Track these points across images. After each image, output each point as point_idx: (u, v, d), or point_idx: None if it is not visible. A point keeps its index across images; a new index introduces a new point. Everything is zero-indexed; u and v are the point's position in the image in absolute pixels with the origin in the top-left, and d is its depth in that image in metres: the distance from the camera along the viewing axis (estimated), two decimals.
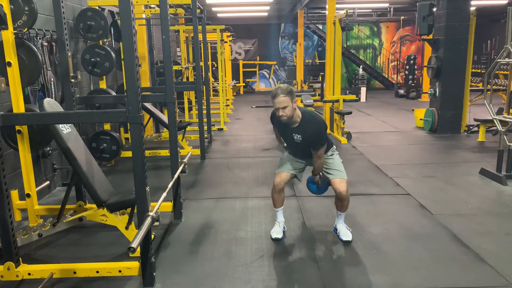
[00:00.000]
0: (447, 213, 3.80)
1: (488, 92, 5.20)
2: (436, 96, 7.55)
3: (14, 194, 3.68)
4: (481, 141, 6.76)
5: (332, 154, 3.24)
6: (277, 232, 3.31)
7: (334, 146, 3.30)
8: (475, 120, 7.04)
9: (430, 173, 5.09)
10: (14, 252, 2.57)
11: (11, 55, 3.11)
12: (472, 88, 8.45)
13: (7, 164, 3.60)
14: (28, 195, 3.44)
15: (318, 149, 3.03)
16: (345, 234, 3.25)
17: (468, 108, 7.63)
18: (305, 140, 3.03)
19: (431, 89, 7.69)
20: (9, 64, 3.12)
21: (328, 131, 7.49)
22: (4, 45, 3.10)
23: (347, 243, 3.20)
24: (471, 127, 7.43)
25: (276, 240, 3.26)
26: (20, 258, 2.65)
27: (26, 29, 3.64)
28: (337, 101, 7.25)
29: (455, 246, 3.16)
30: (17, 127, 3.27)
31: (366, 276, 2.75)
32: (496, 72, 5.23)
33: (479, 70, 13.86)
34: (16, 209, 3.69)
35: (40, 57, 3.67)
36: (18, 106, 3.20)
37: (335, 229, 3.36)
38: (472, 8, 7.43)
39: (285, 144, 3.39)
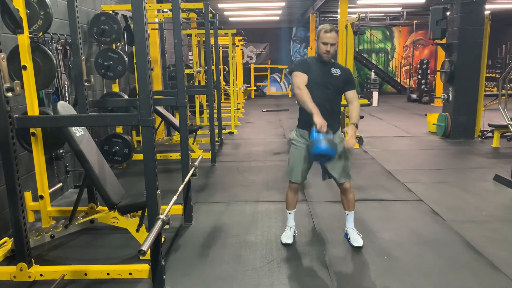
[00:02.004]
0: (460, 219, 3.74)
1: (503, 97, 5.13)
2: (450, 101, 7.46)
3: (28, 195, 3.73)
4: (495, 146, 6.66)
5: (340, 142, 3.09)
6: (287, 237, 3.30)
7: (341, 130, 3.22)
8: (490, 125, 6.94)
9: (442, 179, 5.02)
10: (26, 253, 2.60)
11: (26, 59, 3.16)
12: (486, 93, 8.34)
13: (21, 166, 3.65)
14: (41, 197, 3.49)
15: (353, 89, 3.16)
16: (356, 239, 3.22)
17: (482, 113, 7.52)
18: (342, 76, 3.08)
19: (444, 94, 7.60)
20: (25, 67, 3.17)
21: None
22: (20, 49, 3.15)
23: (357, 248, 3.17)
24: (485, 133, 7.32)
25: (286, 245, 3.25)
26: (33, 259, 2.68)
27: (41, 33, 3.69)
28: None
29: (468, 253, 3.11)
30: (32, 130, 3.32)
31: (377, 282, 2.72)
32: (511, 77, 5.16)
33: (493, 75, 13.70)
34: (29, 210, 3.74)
35: (54, 60, 3.72)
36: (33, 109, 3.25)
37: (346, 235, 3.33)
38: (487, 12, 7.34)
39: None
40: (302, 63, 3.12)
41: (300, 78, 2.99)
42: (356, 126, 3.03)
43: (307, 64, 3.08)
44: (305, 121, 3.08)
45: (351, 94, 3.16)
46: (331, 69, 3.08)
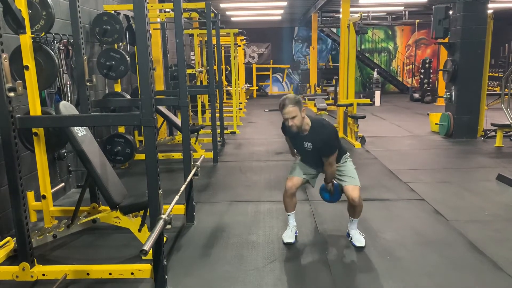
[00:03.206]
0: (462, 219, 3.73)
1: (506, 97, 5.12)
2: (452, 100, 7.44)
3: (30, 195, 3.74)
4: (498, 146, 6.64)
5: (345, 162, 3.21)
6: (289, 237, 3.29)
7: (348, 154, 3.26)
8: (492, 125, 6.91)
9: (445, 179, 5.00)
10: (29, 253, 2.60)
11: (28, 59, 3.17)
12: (489, 92, 8.31)
13: (24, 166, 3.66)
14: (44, 197, 3.50)
15: (329, 156, 3.01)
16: (358, 239, 3.21)
17: (484, 112, 7.50)
18: (315, 148, 3.03)
19: (447, 93, 7.58)
20: (27, 67, 3.18)
21: (342, 135, 7.45)
22: (22, 49, 3.16)
23: (360, 248, 3.16)
24: (488, 132, 7.30)
25: (288, 244, 3.25)
26: (35, 259, 2.68)
27: (43, 33, 3.70)
28: (351, 105, 7.21)
29: (471, 253, 3.09)
30: (34, 130, 3.33)
31: (379, 282, 2.71)
32: None
33: (496, 74, 13.66)
34: (31, 210, 3.76)
35: (56, 61, 3.73)
36: (35, 109, 3.26)
37: (348, 234, 3.32)
38: (490, 11, 7.31)
39: (296, 151, 3.42)
40: (283, 126, 3.21)
41: (287, 140, 3.42)
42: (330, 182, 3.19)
43: (285, 128, 3.13)
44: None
45: (328, 160, 3.04)
46: (304, 143, 3.09)
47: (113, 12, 5.43)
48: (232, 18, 14.92)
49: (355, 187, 3.10)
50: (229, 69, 13.12)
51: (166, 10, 7.33)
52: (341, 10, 8.14)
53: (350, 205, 3.19)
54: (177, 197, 2.80)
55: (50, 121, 2.91)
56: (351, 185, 3.12)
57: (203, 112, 9.23)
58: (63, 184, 4.47)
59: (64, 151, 4.40)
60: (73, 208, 3.25)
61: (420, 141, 7.29)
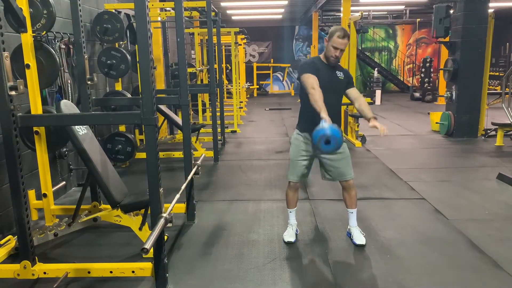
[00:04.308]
0: (463, 218, 3.73)
1: (507, 96, 5.11)
2: (453, 99, 7.44)
3: (31, 194, 3.75)
4: (498, 145, 6.63)
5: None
6: (289, 235, 3.30)
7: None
8: (493, 124, 6.91)
9: (445, 178, 5.01)
10: (30, 251, 2.61)
11: (29, 58, 3.17)
12: (490, 91, 8.30)
13: (25, 164, 3.66)
14: (45, 195, 3.50)
15: (354, 87, 3.24)
16: (359, 238, 3.21)
17: (485, 111, 7.49)
18: (345, 76, 3.14)
19: (448, 92, 7.58)
20: (28, 66, 3.18)
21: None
22: (23, 47, 3.16)
23: (360, 247, 3.16)
24: (488, 131, 7.29)
25: (288, 243, 3.25)
26: (36, 257, 2.69)
27: (44, 32, 3.70)
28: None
29: (471, 252, 3.10)
30: (35, 128, 3.32)
31: (379, 280, 2.71)
32: None
33: (497, 73, 13.66)
34: (33, 208, 3.77)
35: (57, 59, 3.74)
36: (36, 107, 3.26)
37: (349, 233, 3.33)
38: (490, 10, 7.31)
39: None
40: (311, 65, 3.03)
41: (313, 79, 2.90)
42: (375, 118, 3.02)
43: (315, 67, 3.02)
44: (304, 123, 3.16)
45: (355, 91, 3.20)
46: (336, 72, 3.10)
47: (114, 10, 5.43)
48: (233, 17, 14.92)
49: (351, 181, 3.17)
50: (229, 68, 13.12)
51: (167, 9, 7.32)
52: (342, 9, 8.15)
53: (344, 189, 3.23)
54: (177, 196, 2.81)
55: (51, 120, 2.92)
56: (347, 181, 3.16)
57: (204, 111, 9.24)
58: (64, 182, 4.48)
59: (65, 149, 4.40)
60: (74, 206, 3.26)
61: (421, 140, 7.29)
